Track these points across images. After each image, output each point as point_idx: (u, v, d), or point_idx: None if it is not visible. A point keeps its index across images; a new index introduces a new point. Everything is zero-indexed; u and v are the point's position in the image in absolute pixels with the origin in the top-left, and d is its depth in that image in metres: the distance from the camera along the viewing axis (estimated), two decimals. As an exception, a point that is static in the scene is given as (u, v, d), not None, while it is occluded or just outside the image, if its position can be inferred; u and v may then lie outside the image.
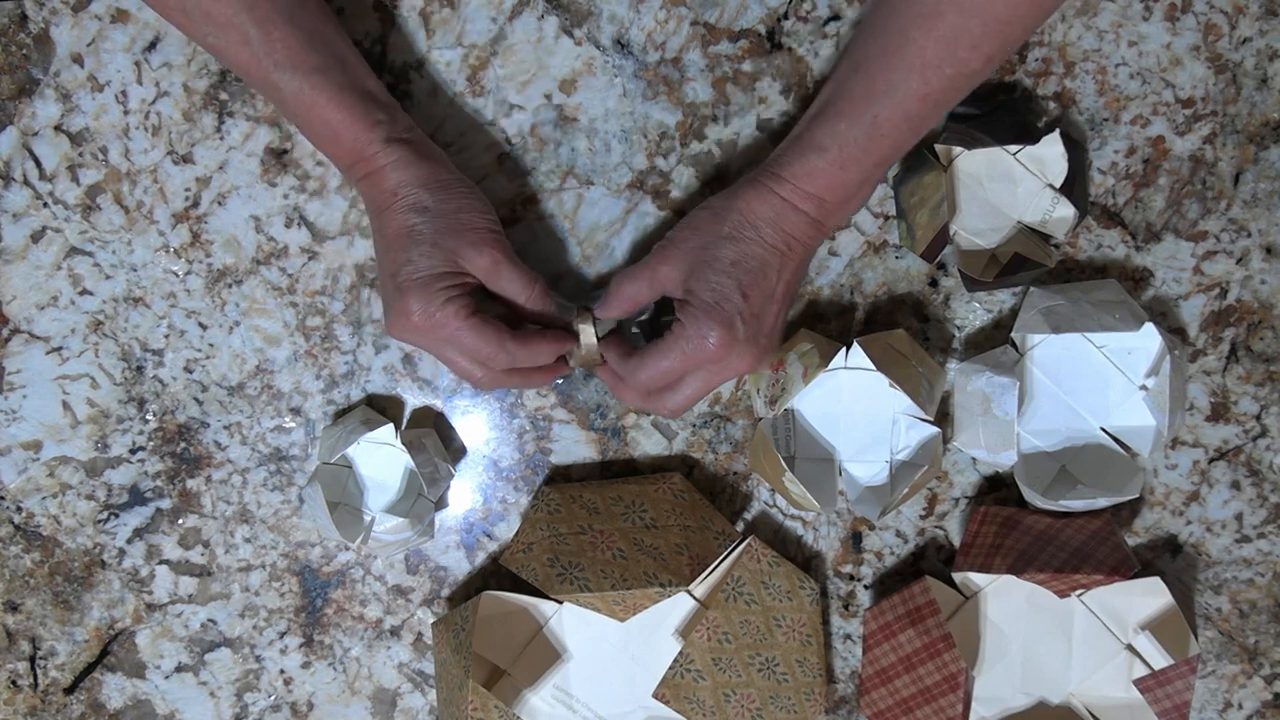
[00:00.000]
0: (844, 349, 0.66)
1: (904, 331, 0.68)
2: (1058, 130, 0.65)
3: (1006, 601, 0.69)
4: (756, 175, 0.62)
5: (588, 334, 0.64)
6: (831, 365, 0.65)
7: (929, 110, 0.59)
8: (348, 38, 0.62)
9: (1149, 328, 0.66)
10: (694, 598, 0.69)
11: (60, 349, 0.69)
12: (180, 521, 0.70)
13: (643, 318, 0.67)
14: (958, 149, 0.67)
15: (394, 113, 0.62)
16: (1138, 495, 0.67)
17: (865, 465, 0.69)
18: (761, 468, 0.68)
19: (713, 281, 0.60)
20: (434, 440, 0.69)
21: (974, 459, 0.71)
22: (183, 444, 0.70)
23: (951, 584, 0.69)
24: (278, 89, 0.59)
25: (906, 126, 0.59)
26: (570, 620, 0.69)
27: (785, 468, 0.65)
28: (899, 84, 0.58)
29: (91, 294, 0.69)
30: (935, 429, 0.67)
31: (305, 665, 0.72)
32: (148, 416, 0.70)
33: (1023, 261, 0.66)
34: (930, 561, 0.72)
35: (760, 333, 0.61)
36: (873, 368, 0.64)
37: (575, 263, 0.70)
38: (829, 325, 0.70)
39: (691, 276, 0.61)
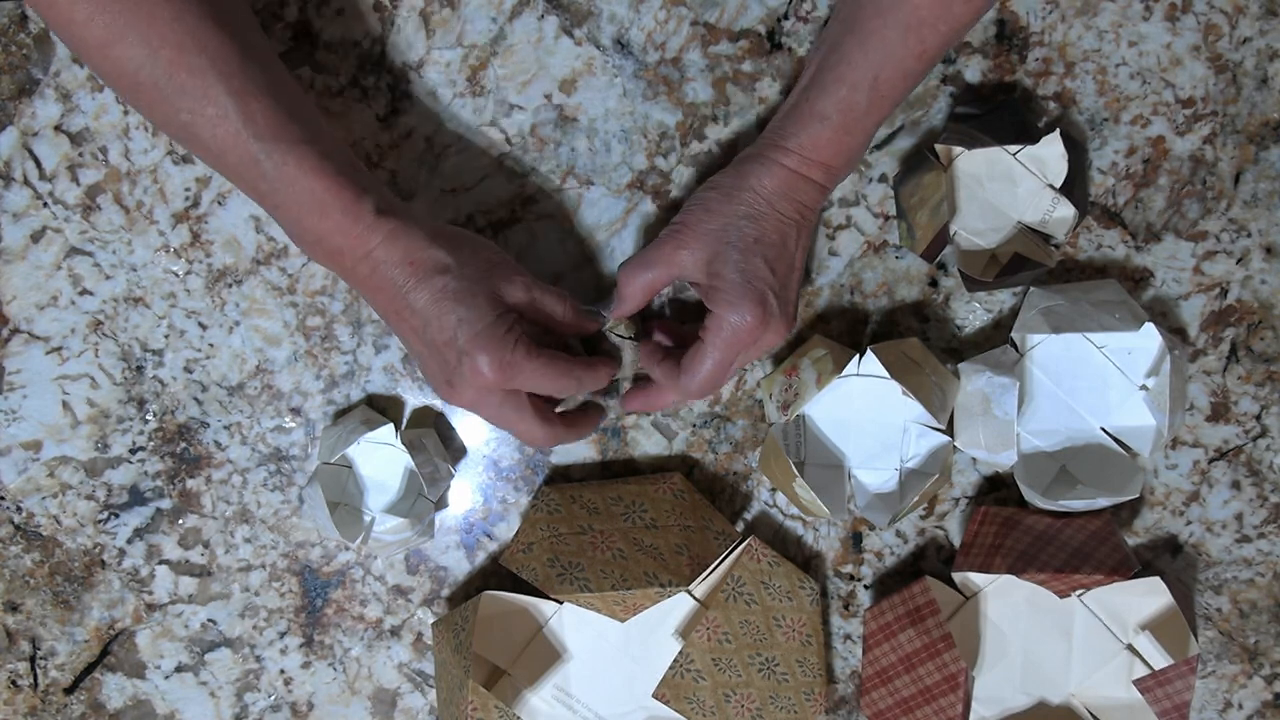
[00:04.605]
0: (857, 355, 0.66)
1: (917, 339, 0.68)
2: (1058, 130, 0.65)
3: (1006, 601, 0.69)
4: (761, 150, 0.62)
5: (628, 347, 0.66)
6: (844, 372, 0.65)
7: (926, 66, 0.60)
8: (317, 111, 0.60)
9: (1149, 328, 0.65)
10: (694, 598, 0.69)
11: (60, 349, 0.69)
12: (180, 521, 0.70)
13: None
14: (958, 149, 0.67)
15: (375, 181, 0.60)
16: (1138, 495, 0.67)
17: (874, 472, 0.69)
18: (772, 472, 0.68)
19: (739, 262, 0.60)
20: (434, 440, 0.69)
21: (974, 459, 0.71)
22: (183, 444, 0.70)
23: (951, 584, 0.69)
24: (257, 164, 0.56)
25: (905, 84, 0.60)
26: (570, 620, 0.69)
27: (796, 473, 0.65)
28: (895, 44, 0.58)
29: (91, 294, 0.69)
30: (946, 437, 0.67)
31: (305, 665, 0.72)
32: (148, 416, 0.70)
33: (1023, 261, 0.66)
34: (930, 561, 0.72)
35: (788, 303, 0.62)
36: (886, 375, 0.64)
37: (575, 263, 0.70)
38: (829, 325, 0.70)
39: (715, 260, 0.61)
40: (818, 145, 0.61)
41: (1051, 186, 0.67)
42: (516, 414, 0.61)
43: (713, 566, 0.67)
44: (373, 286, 0.59)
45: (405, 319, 0.59)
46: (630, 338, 0.66)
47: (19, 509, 0.70)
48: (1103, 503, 0.66)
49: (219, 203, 0.68)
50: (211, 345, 0.69)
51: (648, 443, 0.71)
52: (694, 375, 0.62)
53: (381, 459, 0.69)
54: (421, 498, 0.69)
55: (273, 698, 0.72)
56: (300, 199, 0.57)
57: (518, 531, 0.69)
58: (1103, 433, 0.69)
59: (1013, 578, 0.67)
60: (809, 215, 0.62)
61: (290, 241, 0.68)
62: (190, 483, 0.70)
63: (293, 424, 0.70)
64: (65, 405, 0.69)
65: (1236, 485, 0.71)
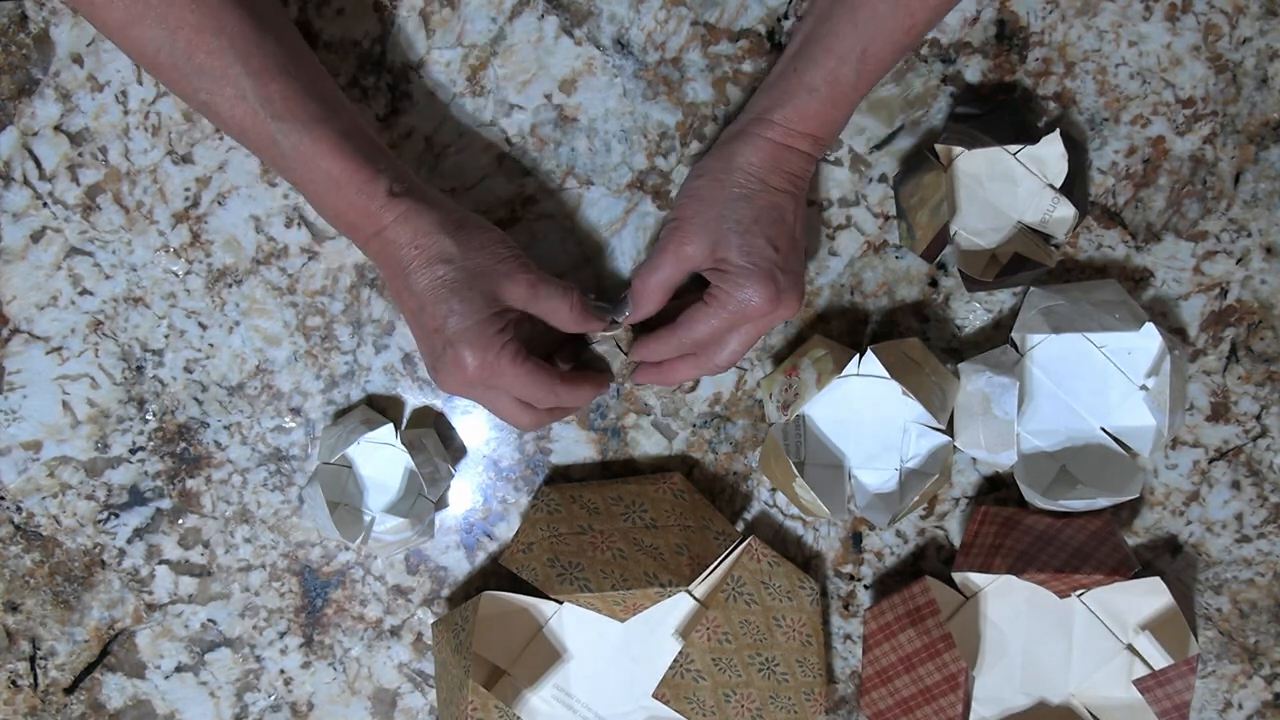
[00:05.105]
0: (857, 355, 0.66)
1: (917, 339, 0.68)
2: (1058, 130, 0.65)
3: (1006, 601, 0.69)
4: (744, 127, 0.62)
5: (620, 360, 0.68)
6: (844, 372, 0.65)
7: (915, 40, 0.60)
8: (338, 87, 0.60)
9: (1149, 328, 0.66)
10: (694, 598, 0.69)
11: (60, 349, 0.69)
12: (180, 521, 0.70)
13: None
14: (958, 149, 0.67)
15: (393, 160, 0.60)
16: (1138, 495, 0.67)
17: (875, 472, 0.69)
18: (772, 473, 0.68)
19: (741, 244, 0.61)
20: (434, 440, 0.69)
21: (974, 459, 0.71)
22: (183, 444, 0.70)
23: (951, 584, 0.69)
24: (275, 143, 0.57)
25: (893, 57, 0.60)
26: (570, 620, 0.69)
27: (796, 473, 0.65)
28: (885, 18, 0.58)
29: (91, 294, 0.69)
30: (946, 437, 0.67)
31: (305, 665, 0.72)
32: (148, 416, 0.70)
33: (1023, 261, 0.66)
34: (930, 561, 0.72)
35: (796, 276, 0.63)
36: (886, 375, 0.64)
37: (575, 262, 0.70)
38: (829, 325, 0.70)
39: (718, 246, 0.61)
40: (804, 117, 0.61)
41: (1051, 186, 0.67)
42: (500, 404, 0.62)
43: (713, 566, 0.67)
44: (381, 263, 0.60)
45: (405, 300, 0.60)
46: (628, 353, 0.67)
47: (19, 509, 0.70)
48: (1103, 503, 0.66)
49: (219, 203, 0.68)
50: (211, 345, 0.69)
51: (648, 443, 0.71)
52: (691, 330, 0.62)
53: (381, 459, 0.69)
54: (421, 498, 0.69)
55: (273, 698, 0.72)
56: (316, 177, 0.58)
57: (518, 531, 0.69)
58: (1103, 433, 0.69)
59: (1013, 578, 0.67)
60: (800, 185, 0.63)
61: (296, 233, 0.68)
62: (190, 483, 0.70)
63: (293, 424, 0.70)
64: (65, 405, 0.69)
65: (1236, 485, 0.71)
